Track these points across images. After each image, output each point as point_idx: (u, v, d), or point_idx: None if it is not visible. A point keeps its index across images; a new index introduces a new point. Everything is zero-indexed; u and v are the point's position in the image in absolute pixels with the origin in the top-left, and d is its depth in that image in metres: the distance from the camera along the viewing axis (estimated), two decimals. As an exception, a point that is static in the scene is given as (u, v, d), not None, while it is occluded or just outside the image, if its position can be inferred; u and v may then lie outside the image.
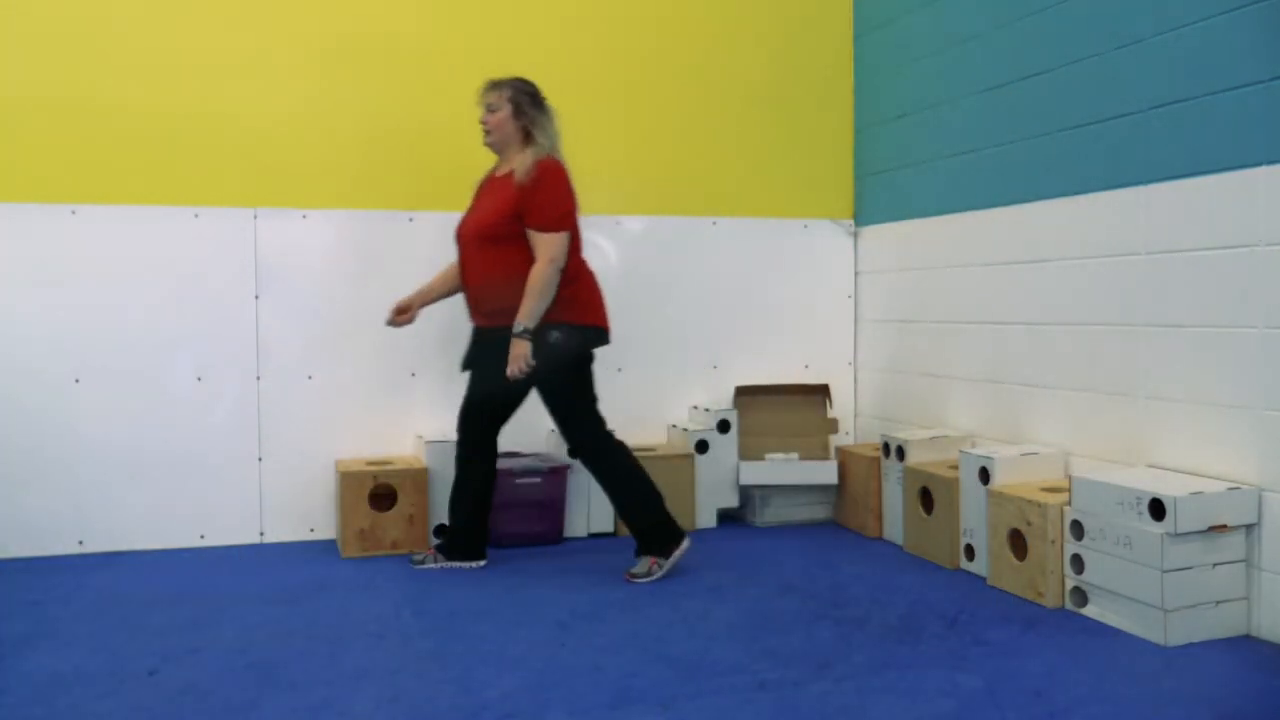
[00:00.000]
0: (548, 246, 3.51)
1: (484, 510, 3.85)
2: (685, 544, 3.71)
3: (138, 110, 4.10)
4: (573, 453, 3.93)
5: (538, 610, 3.30)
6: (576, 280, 3.63)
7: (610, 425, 3.76)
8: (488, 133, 3.72)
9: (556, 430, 3.83)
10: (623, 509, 3.76)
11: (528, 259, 3.54)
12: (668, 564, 3.65)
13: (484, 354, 3.67)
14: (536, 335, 3.51)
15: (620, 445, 3.75)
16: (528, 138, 3.67)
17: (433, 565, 3.82)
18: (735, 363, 4.81)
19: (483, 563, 3.86)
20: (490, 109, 3.69)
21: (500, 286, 3.56)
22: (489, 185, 3.77)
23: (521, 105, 3.66)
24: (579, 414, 3.70)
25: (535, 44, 4.56)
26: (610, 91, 4.67)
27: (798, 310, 4.92)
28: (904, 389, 4.67)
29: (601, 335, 3.71)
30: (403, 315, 3.88)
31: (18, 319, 3.98)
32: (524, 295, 3.48)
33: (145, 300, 4.11)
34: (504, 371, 3.50)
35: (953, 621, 3.16)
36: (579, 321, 3.62)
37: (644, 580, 3.60)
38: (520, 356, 3.47)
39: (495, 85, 3.69)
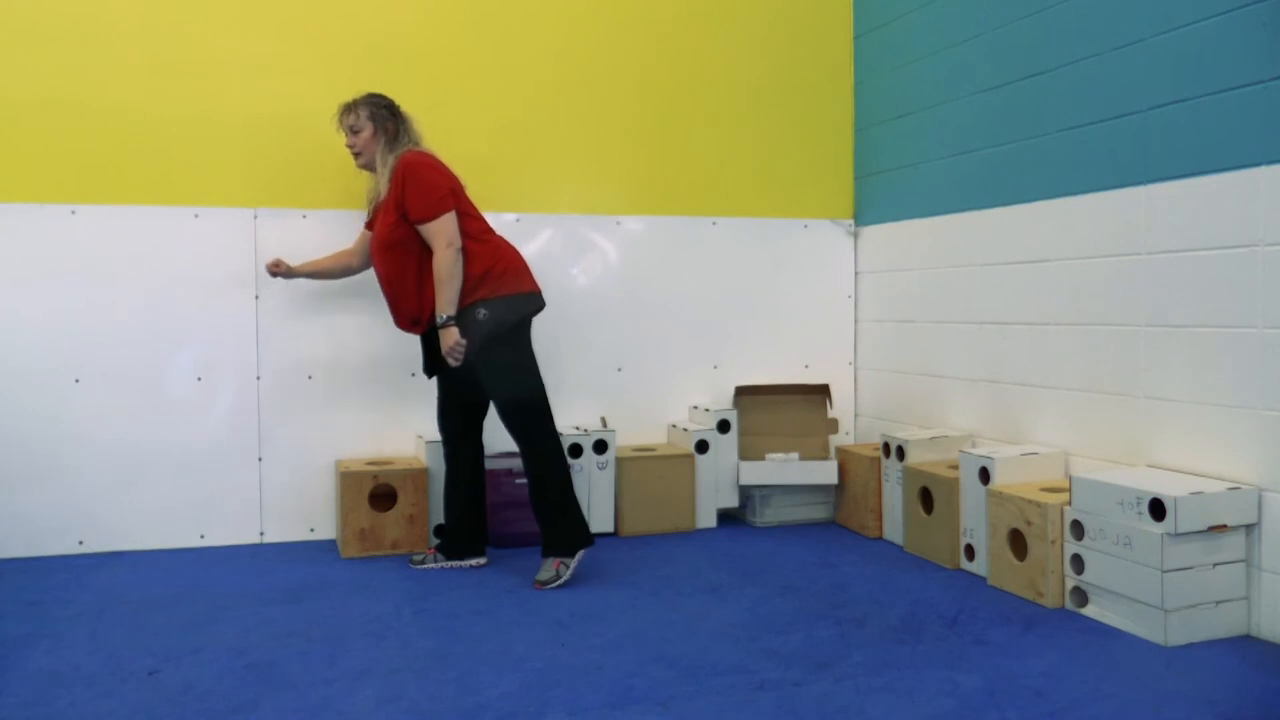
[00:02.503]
0: (437, 234, 3.52)
1: (479, 504, 3.87)
2: (589, 545, 3.67)
3: (138, 110, 4.10)
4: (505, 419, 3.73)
5: (538, 610, 3.30)
6: (483, 255, 3.60)
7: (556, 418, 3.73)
8: (357, 155, 3.77)
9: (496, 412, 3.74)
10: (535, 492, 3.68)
11: (428, 256, 3.58)
12: (574, 563, 3.62)
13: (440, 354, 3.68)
14: (463, 319, 3.54)
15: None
16: (392, 147, 3.71)
17: (432, 565, 3.83)
18: (735, 363, 4.81)
19: (483, 561, 3.87)
20: (353, 130, 3.73)
21: (412, 291, 3.64)
22: (382, 202, 3.74)
23: (380, 119, 3.71)
24: (519, 383, 3.64)
25: (536, 45, 4.57)
26: (610, 92, 4.67)
27: (798, 310, 4.92)
28: (904, 389, 4.67)
29: (531, 299, 3.67)
30: (278, 268, 3.99)
31: (18, 319, 3.98)
32: (436, 287, 3.53)
33: (146, 301, 4.11)
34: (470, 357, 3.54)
35: (953, 621, 3.16)
36: (501, 294, 3.58)
37: (554, 585, 3.56)
38: (453, 344, 3.50)
39: (351, 107, 3.74)
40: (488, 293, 3.56)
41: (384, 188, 3.63)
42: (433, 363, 3.77)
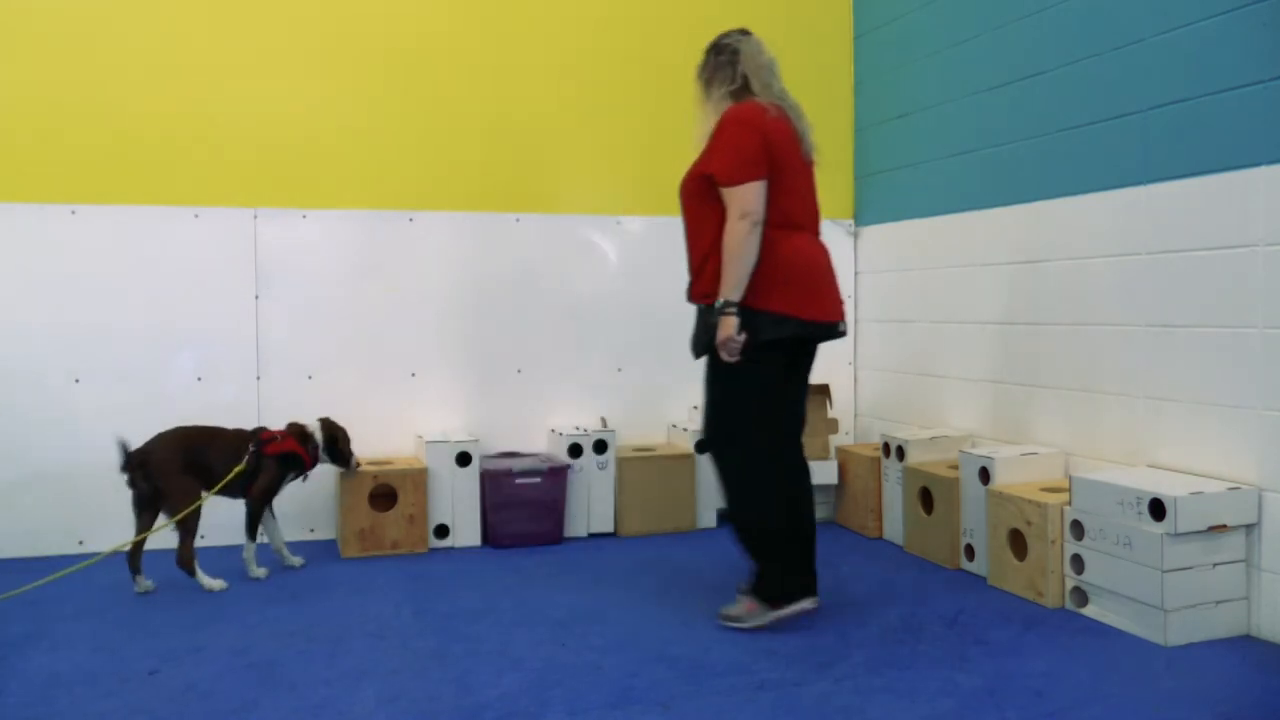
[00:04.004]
0: (731, 201, 2.99)
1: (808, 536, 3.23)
2: (808, 604, 3.09)
3: (138, 110, 4.10)
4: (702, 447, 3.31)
5: (538, 610, 3.30)
6: (768, 252, 3.01)
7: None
8: None
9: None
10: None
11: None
12: (771, 615, 3.07)
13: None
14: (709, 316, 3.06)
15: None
16: (708, 93, 3.25)
17: (756, 621, 3.12)
18: (735, 363, 4.80)
19: (812, 606, 3.15)
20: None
21: (699, 253, 3.14)
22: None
23: (704, 69, 3.27)
24: (730, 413, 3.16)
25: (536, 45, 4.57)
26: (611, 92, 4.67)
27: (798, 310, 4.91)
28: (904, 389, 4.67)
29: (805, 326, 3.03)
30: None
31: (18, 319, 3.98)
32: (722, 263, 3.01)
33: (145, 301, 4.11)
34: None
35: (953, 621, 3.16)
36: (767, 308, 3.00)
37: (734, 625, 3.10)
38: (726, 338, 2.98)
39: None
40: (752, 301, 3.00)
41: (699, 138, 3.17)
42: (700, 341, 3.20)
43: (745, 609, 3.10)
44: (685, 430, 4.55)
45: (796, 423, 3.25)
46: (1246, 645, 2.94)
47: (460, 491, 4.19)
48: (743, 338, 2.97)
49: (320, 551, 4.08)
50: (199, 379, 4.17)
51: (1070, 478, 3.31)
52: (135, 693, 2.63)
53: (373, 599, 3.45)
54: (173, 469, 3.51)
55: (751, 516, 3.10)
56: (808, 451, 4.55)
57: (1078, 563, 3.22)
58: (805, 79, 4.95)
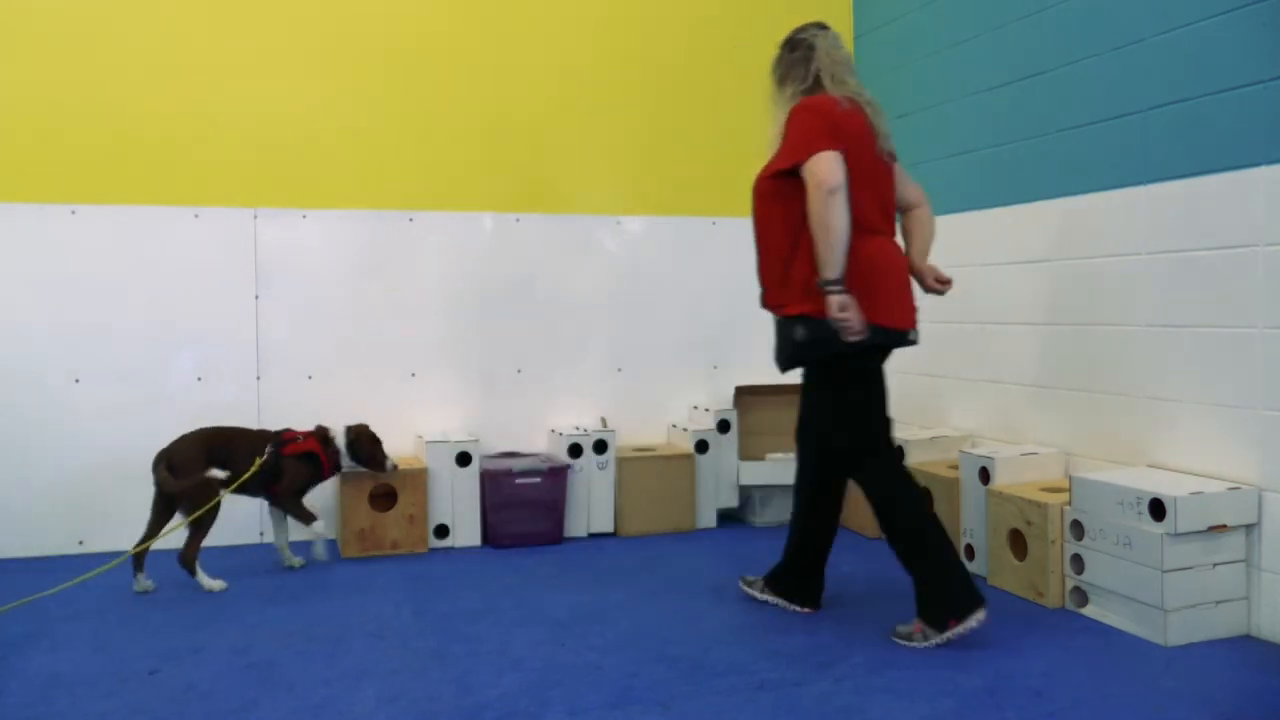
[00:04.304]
0: (807, 174, 2.88)
1: (824, 547, 3.29)
2: (980, 615, 2.89)
3: (138, 110, 4.10)
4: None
5: (538, 610, 3.30)
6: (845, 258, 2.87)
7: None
8: None
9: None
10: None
11: (804, 222, 2.92)
12: (939, 637, 2.89)
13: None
14: (781, 331, 3.04)
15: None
16: (781, 88, 3.17)
17: (757, 595, 3.35)
18: (735, 363, 4.81)
19: (812, 610, 3.26)
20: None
21: (775, 259, 3.05)
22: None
23: (777, 66, 3.20)
24: (835, 427, 3.08)
25: (536, 45, 4.57)
26: (610, 92, 4.67)
27: (798, 310, 4.91)
28: (904, 389, 4.65)
29: (877, 333, 2.91)
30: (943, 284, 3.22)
31: (18, 319, 3.98)
32: (815, 243, 2.88)
33: (145, 300, 4.11)
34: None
35: (953, 621, 3.16)
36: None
37: (905, 643, 2.94)
38: (838, 313, 2.83)
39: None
40: (814, 307, 2.88)
41: (774, 137, 3.08)
42: (782, 353, 3.09)
43: (914, 630, 2.94)
44: (685, 430, 4.55)
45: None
46: (1246, 645, 2.94)
47: (460, 491, 4.19)
48: (856, 319, 2.83)
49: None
50: (199, 379, 4.17)
51: (1070, 478, 3.31)
52: (135, 693, 2.63)
53: (373, 599, 3.45)
54: (195, 468, 3.54)
55: (909, 531, 2.96)
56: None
57: (1078, 563, 3.22)
58: (805, 79, 4.97)
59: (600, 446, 4.36)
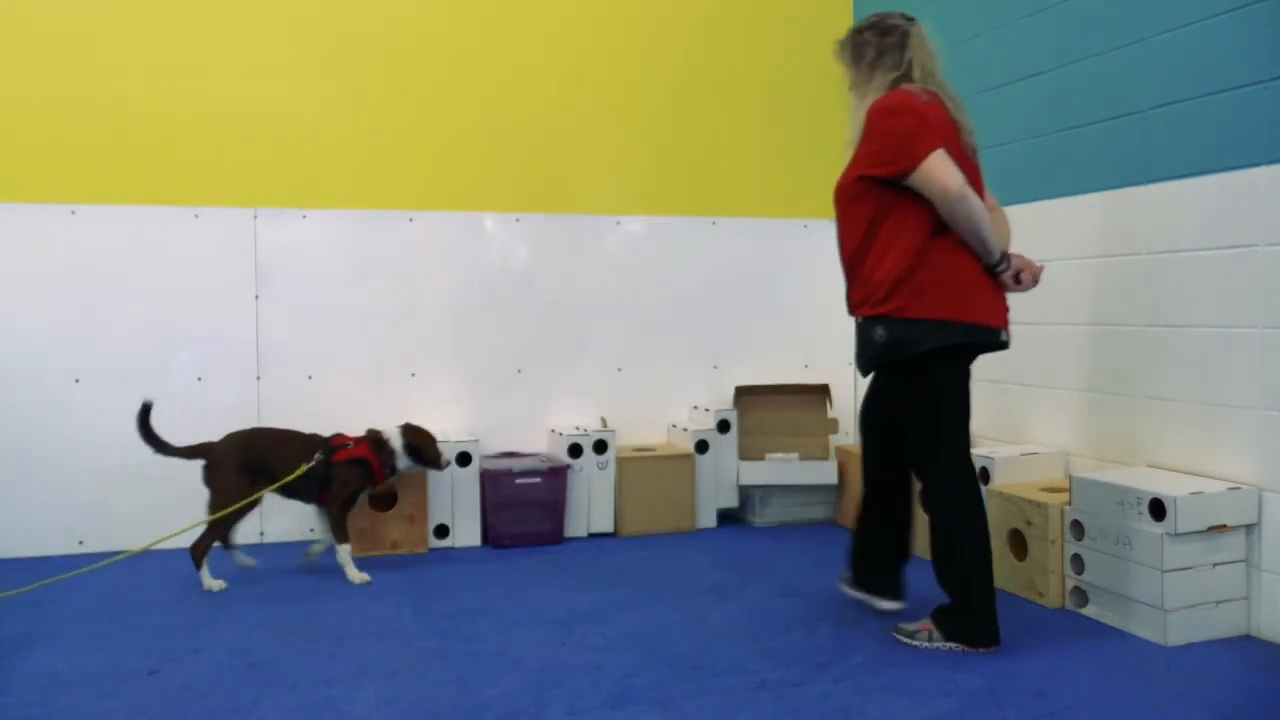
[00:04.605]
0: (927, 182, 2.77)
1: (904, 540, 3.23)
2: (995, 648, 2.89)
3: (138, 110, 4.10)
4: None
5: (538, 610, 3.30)
6: (916, 251, 2.82)
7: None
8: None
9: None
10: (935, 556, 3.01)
11: (889, 221, 2.87)
12: (943, 645, 2.90)
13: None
14: (862, 331, 2.96)
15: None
16: (869, 78, 2.99)
17: (927, 642, 2.95)
18: (735, 363, 4.81)
19: (898, 607, 3.18)
20: (848, 85, 3.06)
21: (862, 261, 2.95)
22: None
23: (860, 49, 3.00)
24: (933, 434, 2.96)
25: (535, 45, 4.57)
26: (610, 92, 4.67)
27: (798, 310, 4.92)
28: (904, 389, 4.66)
29: (956, 330, 2.81)
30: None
31: (18, 319, 3.98)
32: (969, 241, 2.83)
33: (145, 300, 4.11)
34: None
35: (953, 621, 3.15)
36: (913, 314, 2.81)
37: (907, 641, 2.95)
38: (1026, 270, 2.90)
39: (838, 48, 3.09)
40: (894, 308, 2.82)
41: (853, 133, 2.93)
42: (863, 356, 3.01)
43: (921, 629, 2.94)
44: (685, 430, 4.55)
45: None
46: (1246, 645, 2.94)
47: (460, 491, 4.19)
48: (1041, 267, 2.89)
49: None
50: (199, 379, 4.17)
51: (1070, 478, 3.31)
52: (135, 693, 2.63)
53: (373, 599, 3.45)
54: (226, 468, 3.56)
55: (956, 544, 2.90)
56: (808, 451, 4.63)
57: (1078, 563, 3.22)
58: (805, 79, 4.97)
59: (600, 446, 4.36)
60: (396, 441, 3.80)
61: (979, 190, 2.92)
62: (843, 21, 4.99)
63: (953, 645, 2.89)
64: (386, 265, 4.37)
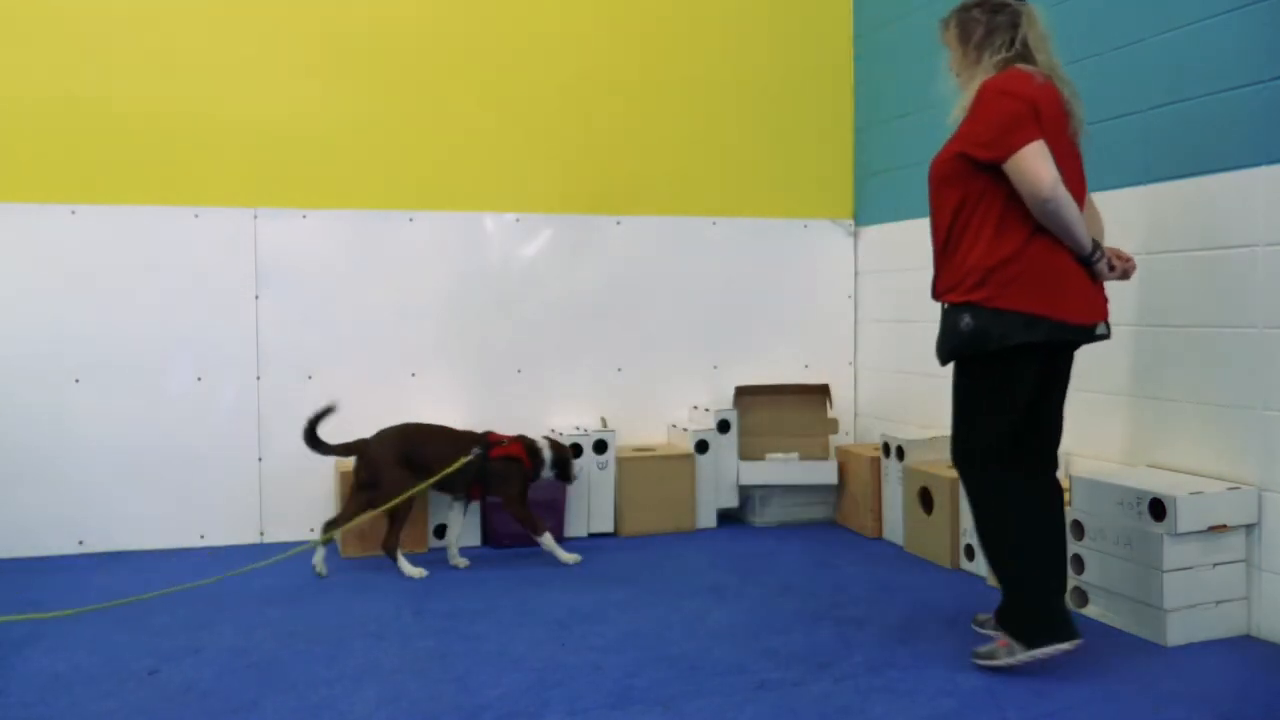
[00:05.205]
0: (1019, 178, 2.66)
1: (1059, 553, 2.86)
2: (1066, 646, 2.69)
3: (138, 110, 4.10)
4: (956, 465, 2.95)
5: (538, 610, 3.30)
6: (1009, 240, 2.70)
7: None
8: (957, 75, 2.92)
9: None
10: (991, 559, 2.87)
11: (981, 205, 2.77)
12: (1025, 655, 2.70)
13: None
14: (946, 319, 2.85)
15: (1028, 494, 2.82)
16: (977, 58, 2.85)
17: (1004, 659, 2.74)
18: (735, 363, 4.81)
19: (1070, 645, 2.71)
20: (950, 66, 2.96)
21: (954, 247, 2.86)
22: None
23: (968, 26, 2.87)
24: (974, 426, 2.85)
25: (535, 44, 4.57)
26: (610, 92, 4.67)
27: (798, 310, 4.92)
28: (904, 389, 4.66)
29: (1046, 328, 2.66)
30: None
31: (18, 319, 3.98)
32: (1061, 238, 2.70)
33: (145, 300, 4.11)
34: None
35: (952, 621, 3.16)
36: (999, 305, 2.69)
37: (986, 663, 2.74)
38: (1119, 259, 2.82)
39: (943, 24, 2.98)
40: (984, 297, 2.70)
41: (956, 115, 2.83)
42: (944, 345, 2.89)
43: (998, 645, 2.76)
44: (685, 430, 4.55)
45: (1052, 438, 2.89)
46: (1246, 645, 2.94)
47: (460, 491, 4.19)
48: (1130, 257, 2.84)
49: (320, 551, 4.08)
50: (199, 379, 4.17)
51: (1070, 478, 3.31)
52: (135, 693, 2.63)
53: (373, 599, 3.45)
54: (387, 461, 3.69)
55: (999, 542, 2.79)
56: (808, 451, 4.62)
57: (1078, 563, 3.22)
58: (805, 79, 4.98)
59: (600, 446, 4.36)
60: (546, 453, 3.96)
61: (1079, 183, 2.79)
62: (843, 22, 5.00)
63: (1037, 652, 2.68)
64: (386, 265, 4.37)
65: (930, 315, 4.46)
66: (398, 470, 3.71)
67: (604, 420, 4.58)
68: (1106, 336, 2.78)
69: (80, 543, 4.04)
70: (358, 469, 3.77)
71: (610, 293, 4.68)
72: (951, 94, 2.96)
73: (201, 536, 4.15)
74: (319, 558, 3.70)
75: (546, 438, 4.05)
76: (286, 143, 4.27)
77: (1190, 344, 3.20)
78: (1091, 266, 2.72)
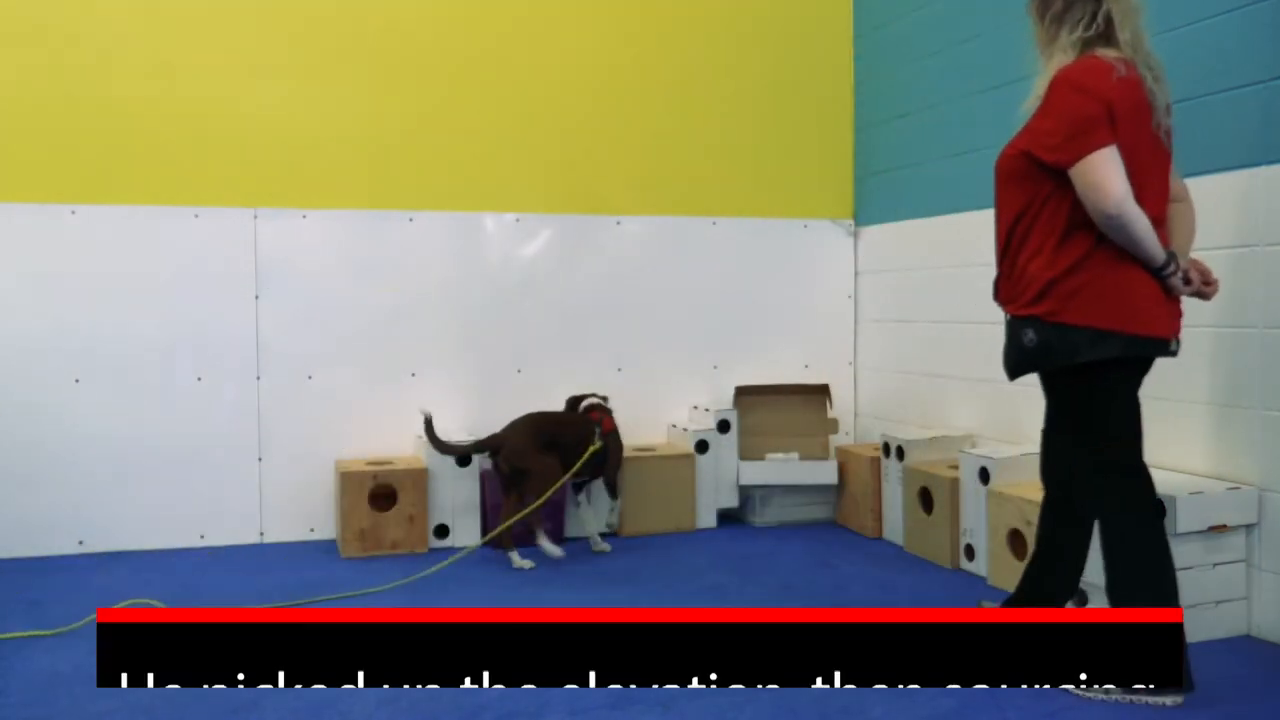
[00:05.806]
0: (1082, 186, 2.48)
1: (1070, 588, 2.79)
2: (1173, 700, 2.53)
3: (137, 110, 4.10)
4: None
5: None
6: (1074, 250, 2.53)
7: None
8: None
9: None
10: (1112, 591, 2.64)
11: (1051, 206, 2.58)
12: (1122, 697, 2.55)
13: None
14: (1011, 329, 2.69)
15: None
16: (1054, 38, 2.61)
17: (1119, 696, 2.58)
18: (735, 363, 4.81)
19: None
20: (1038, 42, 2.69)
21: (1017, 248, 2.69)
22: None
23: (1048, 4, 2.61)
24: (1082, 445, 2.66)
25: (535, 44, 4.57)
26: (610, 92, 4.67)
27: (798, 310, 4.92)
28: (904, 389, 4.66)
29: (1116, 342, 2.51)
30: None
31: (18, 318, 3.98)
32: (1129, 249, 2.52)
33: (145, 300, 4.10)
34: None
35: (953, 621, 3.15)
36: (1065, 320, 2.54)
37: (1080, 694, 2.58)
38: (1199, 278, 2.62)
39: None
40: (1046, 311, 2.55)
41: (1031, 100, 2.63)
42: (1010, 358, 2.72)
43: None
44: (685, 430, 4.55)
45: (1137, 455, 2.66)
46: (1246, 645, 2.94)
47: (460, 491, 4.18)
48: (1198, 280, 2.58)
49: (320, 551, 4.08)
50: (199, 379, 4.17)
51: (1070, 478, 3.30)
52: (135, 693, 2.63)
53: (372, 597, 3.44)
54: (533, 450, 3.77)
55: (1145, 592, 2.56)
56: (808, 451, 4.62)
57: (1078, 563, 3.22)
58: (805, 79, 4.98)
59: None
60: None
61: (1161, 181, 2.60)
62: (843, 22, 5.00)
63: (1134, 698, 2.52)
64: (386, 265, 4.37)
65: (930, 314, 4.49)
66: (545, 457, 3.80)
67: (604, 420, 4.58)
68: (1176, 352, 2.61)
69: (80, 543, 4.04)
70: (498, 465, 3.84)
71: (610, 293, 4.68)
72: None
73: (201, 536, 4.15)
74: (516, 557, 3.79)
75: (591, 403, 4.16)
76: (286, 143, 4.27)
77: (1190, 344, 3.20)
78: (1164, 279, 2.52)
